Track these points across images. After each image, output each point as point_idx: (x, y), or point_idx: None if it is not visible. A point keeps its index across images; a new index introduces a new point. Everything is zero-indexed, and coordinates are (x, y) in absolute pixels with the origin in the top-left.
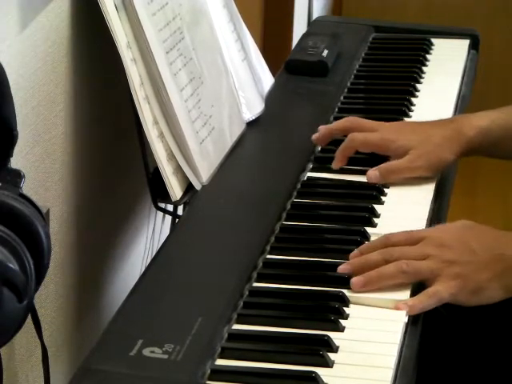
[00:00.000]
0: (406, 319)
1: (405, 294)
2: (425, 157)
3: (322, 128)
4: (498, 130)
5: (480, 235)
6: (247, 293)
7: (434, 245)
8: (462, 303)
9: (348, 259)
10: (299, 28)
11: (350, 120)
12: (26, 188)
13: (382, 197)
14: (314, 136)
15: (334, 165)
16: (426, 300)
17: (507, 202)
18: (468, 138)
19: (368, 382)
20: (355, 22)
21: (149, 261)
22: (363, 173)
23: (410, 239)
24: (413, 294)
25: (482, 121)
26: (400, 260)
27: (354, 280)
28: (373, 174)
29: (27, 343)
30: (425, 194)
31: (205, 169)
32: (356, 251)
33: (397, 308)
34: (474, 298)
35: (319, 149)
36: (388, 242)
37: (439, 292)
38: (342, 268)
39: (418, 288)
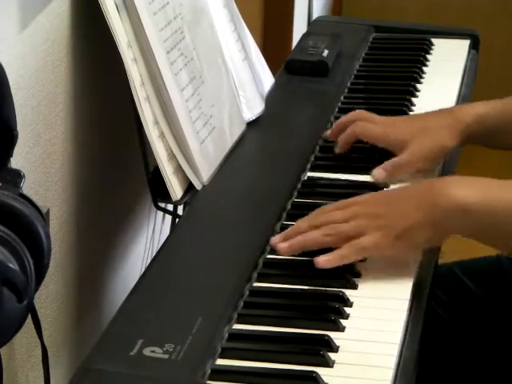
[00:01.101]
0: (406, 317)
1: (405, 294)
2: (425, 147)
3: (334, 124)
4: (496, 117)
5: (404, 188)
6: (247, 293)
7: (360, 205)
8: (389, 251)
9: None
10: (299, 28)
11: (356, 112)
12: (26, 188)
13: None
14: (328, 132)
15: (337, 149)
16: (346, 250)
17: None
18: (466, 124)
19: (368, 382)
20: (355, 22)
21: (149, 261)
22: (363, 172)
23: (339, 207)
24: (413, 294)
25: (480, 108)
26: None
27: (278, 244)
28: (378, 173)
29: (27, 343)
30: None
31: (205, 169)
32: (293, 226)
33: (316, 262)
34: (404, 242)
35: (319, 149)
36: (320, 212)
37: (360, 242)
38: (274, 239)
39: (418, 288)
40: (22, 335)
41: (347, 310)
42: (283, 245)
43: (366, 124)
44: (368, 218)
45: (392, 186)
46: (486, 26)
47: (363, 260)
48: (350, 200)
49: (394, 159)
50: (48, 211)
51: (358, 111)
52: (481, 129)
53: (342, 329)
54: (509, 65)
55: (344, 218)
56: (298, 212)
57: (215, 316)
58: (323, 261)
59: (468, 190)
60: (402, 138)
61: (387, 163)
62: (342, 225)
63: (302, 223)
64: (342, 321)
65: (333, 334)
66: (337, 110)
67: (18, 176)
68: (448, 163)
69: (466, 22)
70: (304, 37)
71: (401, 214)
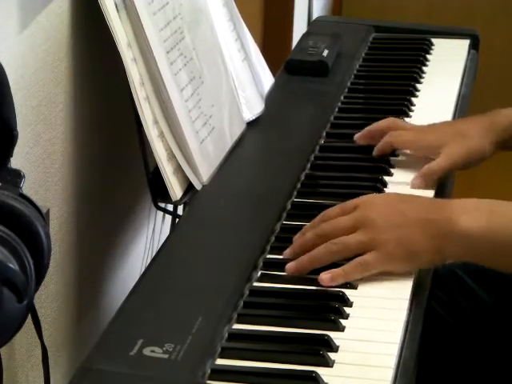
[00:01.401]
0: (406, 317)
1: (405, 294)
2: (462, 150)
3: (365, 129)
4: None
5: (412, 200)
6: (247, 292)
7: (365, 213)
8: (393, 269)
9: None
10: (299, 28)
11: (389, 120)
12: (26, 188)
13: None
14: (356, 135)
15: (356, 137)
16: (351, 268)
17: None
18: (503, 126)
19: (368, 382)
20: (355, 22)
21: (149, 261)
22: (363, 172)
23: (344, 210)
24: (413, 294)
25: None
26: (331, 235)
27: (287, 266)
28: (417, 183)
29: (27, 343)
30: (425, 194)
31: (205, 169)
32: (299, 233)
33: (320, 280)
34: (407, 263)
35: (319, 148)
36: (324, 218)
37: (365, 260)
38: (286, 253)
39: (418, 288)
40: (21, 335)
41: (347, 309)
42: (291, 265)
43: (401, 132)
44: (373, 231)
45: (391, 188)
46: (486, 26)
47: None
48: (355, 201)
49: (431, 164)
50: (48, 211)
51: (390, 119)
52: None
53: (341, 329)
54: (509, 65)
55: (349, 226)
56: (298, 212)
57: (215, 316)
58: (327, 279)
59: (473, 217)
60: (436, 143)
61: (423, 170)
62: (347, 240)
63: (308, 235)
64: (341, 321)
65: (333, 334)
66: (337, 110)
67: (18, 176)
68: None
69: (466, 22)
70: (304, 37)
71: (408, 236)
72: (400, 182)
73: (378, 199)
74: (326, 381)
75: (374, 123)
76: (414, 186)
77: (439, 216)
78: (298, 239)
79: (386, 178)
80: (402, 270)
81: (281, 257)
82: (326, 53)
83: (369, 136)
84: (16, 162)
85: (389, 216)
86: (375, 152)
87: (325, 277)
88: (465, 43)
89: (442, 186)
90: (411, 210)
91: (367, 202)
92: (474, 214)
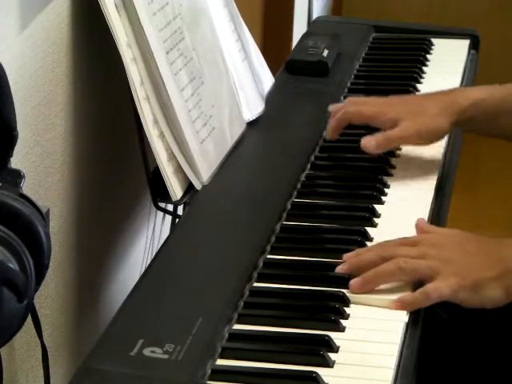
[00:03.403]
0: (406, 319)
1: (406, 294)
2: (417, 125)
3: (330, 121)
4: (494, 102)
5: (475, 240)
6: (247, 293)
7: (428, 245)
8: (463, 301)
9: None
10: (299, 28)
11: (347, 100)
12: (26, 188)
13: (382, 197)
14: (328, 132)
15: (328, 135)
16: (424, 297)
17: (508, 202)
18: (462, 107)
19: (368, 382)
20: (355, 22)
21: (149, 261)
22: (363, 172)
23: (406, 243)
24: None
25: (478, 93)
26: (397, 258)
27: (351, 282)
28: (367, 142)
29: (27, 343)
30: (425, 193)
31: (205, 169)
32: (353, 252)
33: (392, 308)
34: (476, 296)
35: (319, 149)
36: (386, 245)
37: (439, 288)
38: (340, 268)
39: (418, 288)
40: (21, 335)
41: (347, 310)
42: (356, 282)
43: (356, 107)
44: (440, 261)
45: (392, 188)
46: (486, 26)
47: None
48: (415, 238)
49: (386, 131)
50: (48, 211)
51: (348, 98)
52: (478, 114)
53: (342, 329)
54: (509, 65)
55: (414, 253)
56: (298, 212)
57: (215, 316)
58: (397, 306)
59: None
60: (396, 116)
61: (378, 134)
62: (417, 261)
63: (369, 254)
64: (342, 321)
65: (333, 334)
66: None
67: (17, 176)
68: (448, 163)
69: (465, 22)
70: (304, 37)
71: (473, 267)
72: (400, 182)
73: (440, 237)
74: (326, 381)
75: (333, 105)
76: (364, 146)
77: (507, 255)
78: (354, 258)
79: (386, 178)
80: (469, 302)
81: (281, 257)
82: (325, 53)
83: (336, 126)
84: (16, 162)
85: (451, 247)
86: (329, 130)
87: (396, 304)
88: (465, 43)
89: (442, 188)
90: (475, 249)
91: (430, 239)
92: None
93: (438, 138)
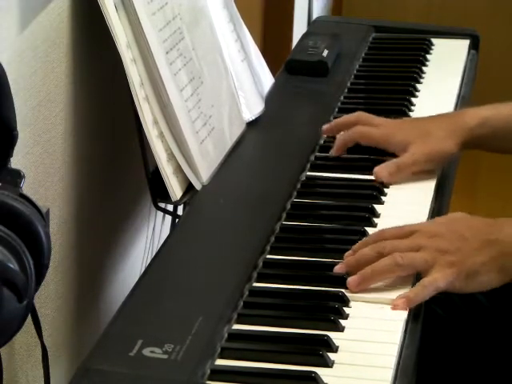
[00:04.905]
0: (406, 317)
1: (405, 292)
2: (426, 150)
3: (333, 121)
4: (501, 120)
5: (470, 223)
6: (247, 293)
7: (425, 236)
8: (459, 290)
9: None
10: (299, 28)
11: (356, 114)
12: (26, 188)
13: (382, 197)
14: (324, 127)
15: (333, 151)
16: (422, 290)
17: (508, 202)
18: (470, 127)
19: (368, 382)
20: (355, 22)
21: (149, 261)
22: (363, 172)
23: (401, 233)
24: None
25: (485, 111)
26: (393, 253)
27: (349, 279)
28: (379, 172)
29: (27, 343)
30: (425, 193)
31: (205, 169)
32: (350, 250)
33: (394, 308)
34: (471, 283)
35: (319, 148)
36: (379, 237)
37: (435, 280)
38: (338, 268)
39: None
40: (21, 335)
41: (347, 310)
42: (353, 280)
43: (366, 128)
44: (435, 252)
45: (392, 188)
46: (486, 26)
47: None
48: (411, 227)
49: (396, 159)
50: (48, 211)
51: (357, 113)
52: (486, 132)
53: (341, 329)
54: (509, 65)
55: (411, 246)
56: (298, 212)
57: (215, 316)
58: (403, 302)
59: None
60: (403, 139)
61: (389, 163)
62: (414, 256)
63: (365, 251)
64: (341, 321)
65: (332, 334)
66: (337, 110)
67: (18, 176)
68: (447, 168)
69: (465, 22)
70: (304, 37)
71: (468, 254)
72: (400, 182)
73: (436, 225)
74: (325, 381)
75: (344, 116)
76: (376, 175)
77: (501, 236)
78: (351, 256)
79: None
80: (464, 290)
81: (280, 257)
82: (325, 53)
83: (335, 129)
84: (16, 162)
85: (449, 239)
86: (335, 147)
87: (398, 302)
88: (465, 43)
89: (442, 188)
90: (471, 233)
91: (426, 228)
92: None
93: (446, 161)
